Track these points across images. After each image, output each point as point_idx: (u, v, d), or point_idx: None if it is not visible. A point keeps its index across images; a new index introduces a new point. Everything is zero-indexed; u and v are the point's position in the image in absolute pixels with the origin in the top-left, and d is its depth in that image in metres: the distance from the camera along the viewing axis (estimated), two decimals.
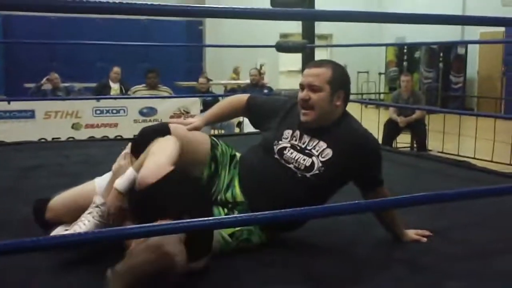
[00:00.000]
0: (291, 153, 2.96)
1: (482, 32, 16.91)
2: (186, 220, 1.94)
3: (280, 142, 3.02)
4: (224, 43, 17.13)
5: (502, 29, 15.77)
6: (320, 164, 2.91)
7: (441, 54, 17.71)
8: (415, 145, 9.40)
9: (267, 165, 2.97)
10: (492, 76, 17.33)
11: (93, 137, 7.79)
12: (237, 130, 9.65)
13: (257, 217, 2.27)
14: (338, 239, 3.15)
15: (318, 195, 2.95)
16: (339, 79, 2.99)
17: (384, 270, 2.70)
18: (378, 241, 3.11)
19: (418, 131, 9.22)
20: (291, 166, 2.94)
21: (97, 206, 2.79)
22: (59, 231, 2.85)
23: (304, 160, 2.93)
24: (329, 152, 2.92)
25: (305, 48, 6.00)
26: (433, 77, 17.69)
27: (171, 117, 8.50)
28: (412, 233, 3.09)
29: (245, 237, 2.86)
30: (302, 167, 2.92)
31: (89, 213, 2.78)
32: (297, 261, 2.79)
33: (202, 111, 9.15)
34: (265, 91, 10.36)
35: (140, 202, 2.60)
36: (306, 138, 2.99)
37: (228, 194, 2.97)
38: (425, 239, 3.07)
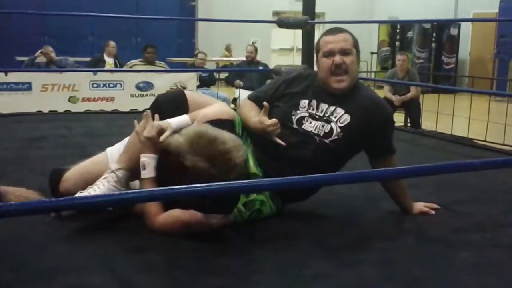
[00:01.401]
0: (310, 122, 2.99)
1: (475, 13, 16.94)
2: (197, 185, 1.94)
3: (297, 111, 3.04)
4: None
5: (495, 10, 15.83)
6: (339, 130, 2.95)
7: (434, 35, 17.75)
8: (408, 124, 9.44)
9: (284, 136, 2.96)
10: (484, 58, 17.41)
11: (89, 110, 7.76)
12: (232, 106, 9.67)
13: (269, 183, 2.30)
14: (346, 212, 3.20)
15: (334, 161, 3.01)
16: (357, 43, 3.10)
17: (394, 240, 2.73)
18: (385, 213, 3.16)
19: (413, 110, 9.25)
20: (310, 134, 2.97)
21: (112, 172, 2.80)
22: None
23: (323, 126, 2.97)
24: (347, 118, 2.97)
25: (307, 24, 6.00)
26: (425, 57, 17.74)
27: (168, 92, 8.49)
28: (420, 206, 3.13)
29: (257, 207, 2.88)
30: (322, 134, 2.96)
31: (104, 178, 2.80)
32: (307, 231, 2.83)
33: (198, 87, 9.15)
34: (260, 67, 10.36)
35: None
36: (323, 106, 3.02)
37: None
38: (433, 212, 3.11)
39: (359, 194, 3.38)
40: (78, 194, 2.76)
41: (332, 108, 3.01)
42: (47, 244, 2.54)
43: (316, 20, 6.24)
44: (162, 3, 17.38)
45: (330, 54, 3.01)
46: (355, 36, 3.10)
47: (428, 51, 17.79)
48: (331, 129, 2.96)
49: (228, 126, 2.75)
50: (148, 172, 2.75)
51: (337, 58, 2.98)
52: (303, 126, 3.00)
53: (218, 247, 2.57)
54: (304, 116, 3.02)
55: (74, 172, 3.00)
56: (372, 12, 20.69)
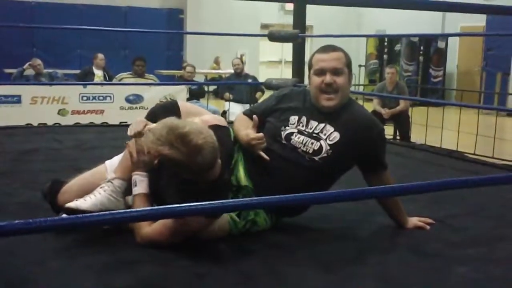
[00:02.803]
0: (299, 138, 2.98)
1: (463, 26, 17.04)
2: (191, 204, 1.92)
3: (287, 127, 3.03)
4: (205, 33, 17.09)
5: (483, 23, 15.93)
6: (328, 147, 2.94)
7: (422, 48, 17.83)
8: (397, 137, 9.46)
9: (274, 150, 2.97)
10: (471, 71, 17.50)
11: (79, 123, 7.75)
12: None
13: (261, 201, 2.28)
14: (341, 226, 3.18)
15: (325, 178, 3.01)
16: (350, 62, 3.09)
17: (390, 254, 2.72)
18: (381, 228, 3.14)
19: (402, 122, 9.28)
20: (299, 150, 2.96)
21: (109, 181, 2.81)
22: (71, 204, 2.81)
23: (312, 143, 2.95)
24: (336, 135, 2.96)
25: (298, 37, 6.00)
26: (413, 70, 17.80)
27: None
28: (415, 220, 3.12)
29: (251, 217, 2.88)
30: (311, 151, 2.94)
31: (101, 187, 2.81)
32: (303, 245, 2.82)
33: (188, 99, 9.15)
34: (249, 80, 10.36)
35: None
36: (313, 123, 3.01)
37: (232, 177, 2.97)
38: (428, 227, 3.10)
39: (353, 208, 3.37)
40: (74, 202, 2.75)
41: (322, 125, 3.00)
42: (44, 258, 2.52)
43: (305, 33, 6.23)
44: (149, 16, 17.40)
45: (321, 72, 3.00)
46: (344, 49, 3.10)
47: (416, 64, 17.85)
48: (320, 146, 2.95)
49: (227, 132, 2.84)
50: (139, 188, 2.78)
51: (328, 78, 2.97)
52: (291, 142, 2.99)
53: (214, 261, 2.55)
54: (293, 132, 3.01)
55: (74, 184, 3.00)
56: (359, 25, 20.77)
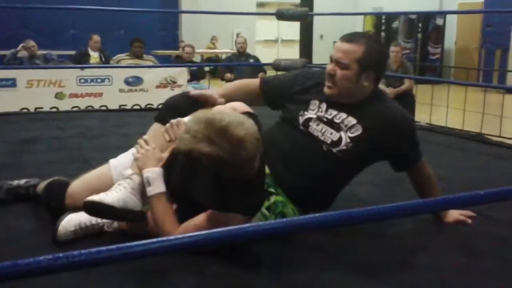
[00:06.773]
0: (317, 125, 2.78)
1: (461, 3, 16.81)
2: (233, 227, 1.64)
3: (305, 112, 2.82)
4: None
5: (481, 0, 15.70)
6: (348, 140, 2.72)
7: (420, 25, 17.61)
8: None
9: (291, 137, 2.80)
10: (469, 48, 17.27)
11: (77, 107, 7.47)
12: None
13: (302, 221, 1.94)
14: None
15: (345, 171, 2.82)
16: (371, 59, 2.73)
17: (440, 256, 2.48)
18: (420, 223, 2.89)
19: (407, 102, 9.03)
20: (316, 139, 2.76)
21: (127, 178, 2.53)
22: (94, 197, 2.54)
23: (331, 133, 2.74)
24: (358, 128, 2.73)
25: (307, 16, 5.76)
26: (412, 47, 17.57)
27: (157, 86, 8.22)
28: (456, 214, 2.89)
29: (280, 209, 2.68)
30: (329, 141, 2.74)
31: (119, 184, 2.52)
32: (338, 247, 2.57)
33: (189, 81, 8.89)
34: (251, 60, 10.10)
35: None
36: (333, 112, 2.78)
37: None
38: (470, 221, 2.88)
39: (382, 199, 3.13)
40: (96, 195, 2.45)
41: (343, 115, 2.76)
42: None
43: (313, 11, 5.98)
44: None
45: (330, 59, 2.78)
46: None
47: (414, 41, 17.63)
48: (340, 138, 2.73)
49: (257, 120, 2.52)
50: (155, 187, 2.47)
51: (329, 67, 2.75)
52: (309, 129, 2.78)
53: (251, 269, 2.31)
54: (312, 118, 2.80)
55: (81, 185, 2.74)
56: (356, 3, 20.49)
